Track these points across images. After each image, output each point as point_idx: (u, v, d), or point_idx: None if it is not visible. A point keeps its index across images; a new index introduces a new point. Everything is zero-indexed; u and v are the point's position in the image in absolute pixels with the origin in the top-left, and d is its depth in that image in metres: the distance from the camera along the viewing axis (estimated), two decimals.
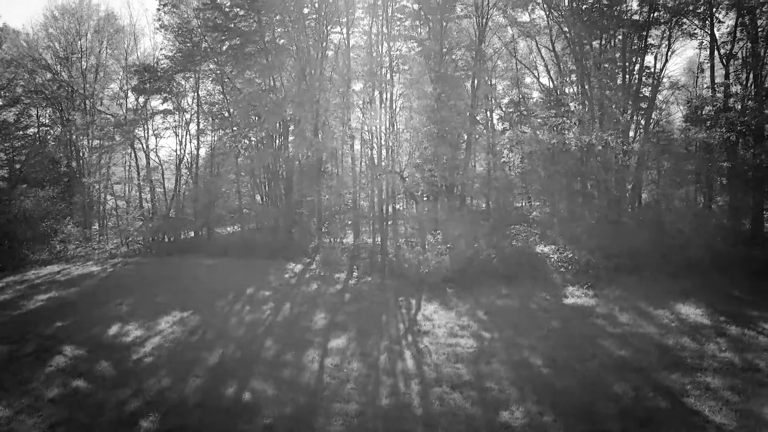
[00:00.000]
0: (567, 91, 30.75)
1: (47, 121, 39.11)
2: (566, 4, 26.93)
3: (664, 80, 27.99)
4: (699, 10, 23.62)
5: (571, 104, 27.37)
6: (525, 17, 31.27)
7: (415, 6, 28.92)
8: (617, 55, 26.85)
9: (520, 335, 15.22)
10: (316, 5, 31.11)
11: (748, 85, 23.42)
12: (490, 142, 33.57)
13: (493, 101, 38.23)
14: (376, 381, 12.29)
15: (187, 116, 31.67)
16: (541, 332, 15.35)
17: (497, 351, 14.02)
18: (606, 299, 18.28)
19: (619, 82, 26.20)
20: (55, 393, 11.73)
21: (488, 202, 32.91)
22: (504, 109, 40.48)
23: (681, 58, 42.63)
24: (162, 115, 30.53)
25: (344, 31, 29.97)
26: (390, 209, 26.89)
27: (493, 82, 36.83)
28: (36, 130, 38.49)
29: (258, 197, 34.81)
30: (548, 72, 35.72)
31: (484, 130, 33.71)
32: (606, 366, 12.84)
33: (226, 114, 31.28)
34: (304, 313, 17.63)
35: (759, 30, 22.86)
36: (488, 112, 36.61)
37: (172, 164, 32.82)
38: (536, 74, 39.39)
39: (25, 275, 24.34)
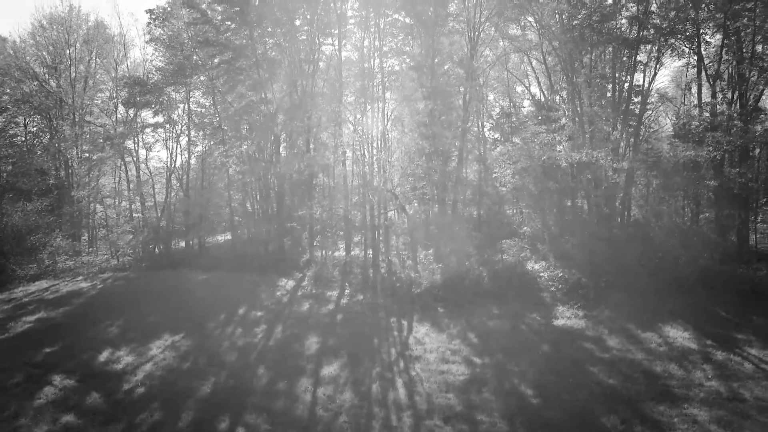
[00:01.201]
0: (557, 100, 31.01)
1: (35, 129, 38.68)
2: (556, 20, 27.14)
3: (653, 92, 28.47)
4: (687, 33, 23.95)
5: (562, 120, 27.58)
6: (517, 31, 31.53)
7: (407, 19, 28.97)
8: (607, 69, 27.15)
9: (510, 360, 15.37)
10: (308, 17, 31.07)
11: (734, 104, 23.81)
12: (481, 152, 33.84)
13: (485, 112, 38.54)
14: (369, 414, 12.34)
15: (178, 128, 31.48)
16: (532, 357, 15.51)
17: (488, 379, 14.15)
18: (595, 320, 18.51)
19: (608, 96, 26.49)
20: (44, 430, 11.63)
21: (479, 212, 33.07)
22: (495, 119, 40.87)
23: (669, 70, 43.13)
24: (152, 128, 30.29)
25: (336, 42, 30.00)
26: (382, 221, 26.88)
27: (485, 91, 37.05)
28: (23, 138, 38.04)
29: (249, 206, 34.70)
30: (539, 84, 36.12)
31: (476, 143, 33.93)
32: (595, 395, 13.02)
33: (216, 123, 31.16)
34: (296, 336, 17.63)
35: (744, 52, 23.26)
36: (480, 122, 36.83)
37: (163, 177, 32.57)
38: (527, 84, 39.88)
39: (12, 293, 24.09)
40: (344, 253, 28.99)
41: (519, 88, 41.44)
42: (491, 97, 41.75)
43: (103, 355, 16.18)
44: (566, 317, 19.06)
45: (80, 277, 27.05)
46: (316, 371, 14.80)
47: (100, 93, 34.47)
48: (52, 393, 13.53)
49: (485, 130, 39.86)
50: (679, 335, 16.87)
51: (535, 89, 39.33)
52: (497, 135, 40.71)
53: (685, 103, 27.73)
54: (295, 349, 16.51)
